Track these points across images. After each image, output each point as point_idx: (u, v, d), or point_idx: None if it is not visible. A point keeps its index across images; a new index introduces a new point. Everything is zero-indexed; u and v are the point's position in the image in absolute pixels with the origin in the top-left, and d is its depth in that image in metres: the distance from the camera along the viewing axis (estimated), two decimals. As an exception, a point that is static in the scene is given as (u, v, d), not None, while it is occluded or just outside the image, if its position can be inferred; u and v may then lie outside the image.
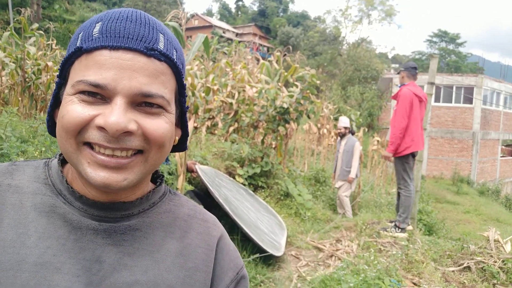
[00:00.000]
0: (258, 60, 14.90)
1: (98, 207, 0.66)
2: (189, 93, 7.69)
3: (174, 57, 0.63)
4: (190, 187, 4.09)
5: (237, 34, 53.73)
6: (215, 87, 8.47)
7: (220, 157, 6.20)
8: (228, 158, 6.16)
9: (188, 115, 7.74)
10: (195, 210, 0.79)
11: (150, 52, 0.60)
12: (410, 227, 5.19)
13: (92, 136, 0.58)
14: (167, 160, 4.20)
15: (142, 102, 0.60)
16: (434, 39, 54.51)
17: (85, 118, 0.58)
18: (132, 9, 0.64)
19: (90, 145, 0.59)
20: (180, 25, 4.06)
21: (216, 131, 7.78)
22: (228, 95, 8.29)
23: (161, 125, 0.62)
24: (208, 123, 8.10)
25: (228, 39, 42.10)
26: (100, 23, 0.60)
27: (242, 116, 7.39)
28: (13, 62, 7.96)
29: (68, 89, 0.60)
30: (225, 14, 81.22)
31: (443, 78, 22.24)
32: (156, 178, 0.79)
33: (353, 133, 7.43)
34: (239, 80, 8.37)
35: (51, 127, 0.69)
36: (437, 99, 22.23)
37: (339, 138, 7.40)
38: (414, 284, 3.79)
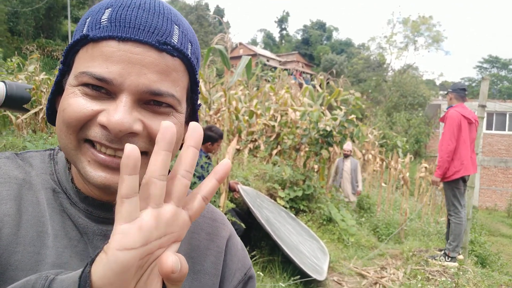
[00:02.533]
0: (301, 85, 15.00)
1: (104, 208, 0.62)
2: (233, 117, 7.83)
3: (189, 52, 0.59)
4: (232, 205, 4.10)
5: (280, 62, 54.47)
6: (258, 111, 8.57)
7: (262, 178, 6.20)
8: (270, 180, 6.15)
9: (230, 137, 7.86)
10: None
11: (162, 46, 0.54)
12: (461, 257, 4.90)
13: (94, 133, 0.54)
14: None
15: (150, 100, 0.55)
16: (485, 65, 52.56)
17: (87, 114, 0.53)
18: None
19: (91, 142, 0.55)
20: (226, 47, 4.20)
21: (258, 154, 7.82)
22: (270, 118, 8.37)
23: None
24: (251, 145, 8.17)
25: (272, 67, 42.76)
26: (110, 9, 0.55)
27: (284, 138, 7.40)
28: (70, 87, 8.50)
29: (71, 79, 0.56)
30: (269, 43, 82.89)
31: (495, 104, 21.32)
32: None
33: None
34: (282, 103, 8.44)
35: (51, 115, 0.65)
36: (489, 127, 21.25)
37: (343, 157, 8.54)
38: (467, 316, 3.54)
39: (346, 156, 8.55)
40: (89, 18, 0.56)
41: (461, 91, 4.61)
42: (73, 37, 0.57)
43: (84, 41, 0.55)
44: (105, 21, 0.54)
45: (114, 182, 0.54)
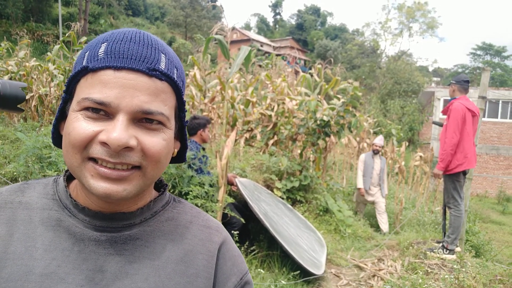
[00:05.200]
0: (297, 73, 14.85)
1: (100, 217, 0.69)
2: (229, 105, 7.71)
3: (175, 76, 0.67)
4: (230, 200, 4.03)
5: (274, 48, 54.07)
6: (254, 99, 8.45)
7: (259, 169, 6.13)
8: (267, 170, 6.08)
9: (227, 127, 7.76)
10: (198, 216, 0.81)
11: (152, 72, 0.63)
12: (458, 249, 4.90)
13: (96, 151, 0.61)
14: (208, 172, 4.18)
15: (142, 118, 0.63)
16: (478, 52, 52.60)
17: (89, 134, 0.61)
18: (136, 29, 0.68)
19: (93, 159, 0.62)
20: (225, 38, 4.09)
21: (254, 143, 7.73)
22: (267, 107, 8.25)
23: (158, 142, 0.65)
24: (247, 135, 8.07)
25: (266, 52, 42.40)
26: (105, 43, 0.64)
27: (281, 128, 7.31)
28: (62, 74, 8.31)
29: (74, 105, 0.64)
30: (263, 28, 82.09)
31: (488, 92, 21.34)
32: (161, 187, 0.82)
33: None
34: (278, 92, 8.32)
35: (56, 138, 0.74)
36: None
37: (372, 153, 7.47)
38: (466, 311, 3.53)
39: (376, 152, 7.38)
40: (88, 52, 0.65)
41: (465, 83, 4.54)
42: (73, 69, 0.66)
43: (84, 72, 0.63)
44: (102, 53, 0.63)
45: (114, 191, 0.62)
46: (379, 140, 7.49)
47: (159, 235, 0.73)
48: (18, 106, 1.55)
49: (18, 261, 0.64)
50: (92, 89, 0.61)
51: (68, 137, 0.63)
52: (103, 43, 0.64)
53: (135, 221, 0.72)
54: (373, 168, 7.35)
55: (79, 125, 0.62)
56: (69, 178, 0.77)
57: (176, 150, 0.77)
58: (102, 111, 0.62)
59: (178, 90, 0.69)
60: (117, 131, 0.60)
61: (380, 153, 7.47)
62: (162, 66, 0.65)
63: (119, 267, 0.67)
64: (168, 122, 0.66)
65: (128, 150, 0.62)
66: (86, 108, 0.62)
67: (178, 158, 0.82)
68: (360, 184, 7.43)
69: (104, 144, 0.61)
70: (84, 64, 0.63)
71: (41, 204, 0.71)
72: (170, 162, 0.76)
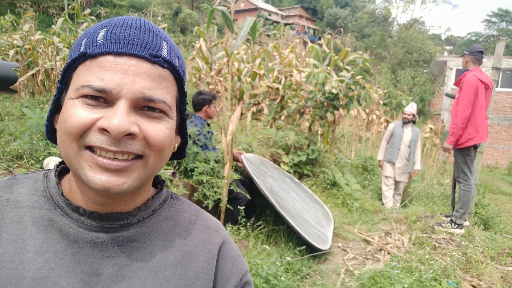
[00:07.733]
0: (305, 43, 14.53)
1: (95, 217, 0.66)
2: (235, 78, 7.60)
3: (177, 64, 0.65)
4: (236, 176, 4.00)
5: (283, 17, 52.96)
6: (261, 72, 8.29)
7: (265, 144, 6.08)
8: (274, 145, 6.03)
9: (233, 100, 7.66)
10: (197, 215, 0.78)
11: (154, 58, 0.60)
12: (467, 223, 4.86)
13: (94, 139, 0.58)
14: (214, 148, 4.14)
15: (144, 106, 0.60)
16: (493, 19, 50.80)
17: (87, 121, 0.58)
18: (136, 16, 0.65)
19: (91, 149, 0.59)
20: (228, 9, 3.95)
21: (261, 117, 7.64)
22: (274, 80, 8.09)
23: (161, 130, 0.62)
24: (254, 108, 7.97)
25: (274, 21, 41.56)
26: (104, 29, 0.61)
27: (289, 102, 7.19)
28: (67, 47, 8.22)
29: (71, 93, 0.61)
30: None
31: (502, 61, 20.80)
32: (158, 183, 0.79)
33: (414, 122, 6.93)
34: (286, 64, 8.13)
35: (50, 132, 0.70)
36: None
37: (401, 122, 6.83)
38: (473, 286, 3.52)
39: (406, 122, 6.74)
40: (85, 39, 0.62)
41: (478, 54, 4.37)
42: (69, 57, 0.63)
43: (82, 58, 0.60)
44: (101, 39, 0.60)
45: (114, 184, 0.59)
46: (409, 107, 6.81)
47: (157, 236, 0.70)
48: (11, 87, 1.49)
49: (7, 264, 0.61)
50: (91, 76, 0.58)
51: (64, 125, 0.59)
52: (101, 29, 0.61)
53: (132, 221, 0.68)
54: (401, 138, 6.73)
55: (77, 111, 0.58)
56: (60, 173, 0.73)
57: (176, 145, 0.74)
58: (101, 98, 0.59)
59: (180, 79, 0.66)
60: (118, 117, 0.57)
61: (412, 122, 6.78)
62: (164, 53, 0.62)
63: (116, 270, 0.65)
64: (170, 112, 0.64)
65: (129, 138, 0.59)
66: (85, 96, 0.59)
67: (178, 154, 0.79)
68: (380, 157, 6.99)
69: (103, 131, 0.58)
70: (81, 50, 0.60)
71: (31, 202, 0.67)
72: (170, 159, 0.71)
